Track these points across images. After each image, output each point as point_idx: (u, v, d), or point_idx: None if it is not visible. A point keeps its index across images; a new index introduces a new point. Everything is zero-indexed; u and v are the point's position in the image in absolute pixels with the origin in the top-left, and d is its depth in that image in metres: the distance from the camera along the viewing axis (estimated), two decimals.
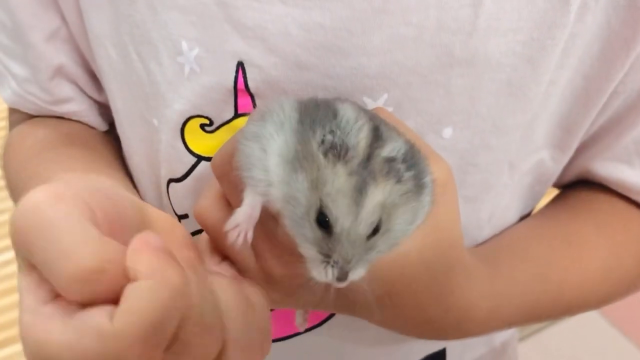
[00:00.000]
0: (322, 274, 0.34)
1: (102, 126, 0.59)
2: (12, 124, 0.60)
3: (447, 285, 0.43)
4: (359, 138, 0.34)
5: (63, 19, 0.52)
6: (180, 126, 0.47)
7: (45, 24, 0.52)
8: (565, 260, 0.52)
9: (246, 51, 0.43)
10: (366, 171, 0.33)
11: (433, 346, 0.57)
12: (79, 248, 0.28)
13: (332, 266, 0.34)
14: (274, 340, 0.53)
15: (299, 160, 0.34)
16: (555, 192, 0.59)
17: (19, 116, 0.59)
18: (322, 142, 0.34)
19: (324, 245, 0.34)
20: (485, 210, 0.51)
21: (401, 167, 0.34)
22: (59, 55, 0.53)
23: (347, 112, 0.35)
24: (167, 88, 0.46)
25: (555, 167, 0.53)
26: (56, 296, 0.30)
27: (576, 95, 0.48)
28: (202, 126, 0.46)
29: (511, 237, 0.53)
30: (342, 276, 0.34)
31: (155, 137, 0.50)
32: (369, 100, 0.43)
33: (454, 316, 0.45)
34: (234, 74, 0.44)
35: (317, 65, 0.43)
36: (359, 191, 0.33)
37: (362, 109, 0.36)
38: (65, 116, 0.57)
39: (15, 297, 1.76)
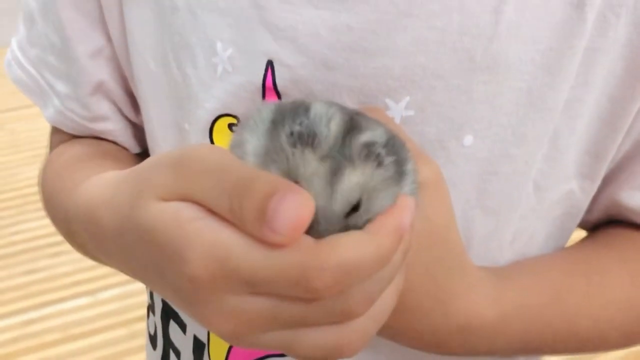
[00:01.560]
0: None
1: (135, 148, 0.61)
2: (53, 145, 0.63)
3: (449, 289, 0.43)
4: (330, 126, 0.34)
5: (108, 39, 0.56)
6: (209, 125, 0.48)
7: (91, 41, 0.55)
8: (584, 289, 0.51)
9: (277, 51, 0.45)
10: (341, 155, 0.33)
11: None
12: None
13: None
14: (277, 356, 0.52)
15: (270, 155, 0.34)
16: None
17: (59, 137, 0.62)
18: (291, 133, 0.33)
19: None
20: (509, 231, 0.50)
21: (382, 151, 0.34)
22: (101, 72, 0.56)
23: (318, 107, 0.35)
24: (199, 89, 0.48)
25: (584, 198, 0.53)
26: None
27: (603, 118, 0.49)
28: (230, 126, 0.48)
29: (529, 260, 0.52)
30: None
31: (185, 142, 0.51)
32: (391, 102, 0.45)
33: (456, 323, 0.44)
34: (263, 72, 0.46)
35: (344, 65, 0.44)
36: (334, 172, 0.33)
37: (338, 105, 0.36)
38: (101, 135, 0.60)
39: None
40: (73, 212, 0.47)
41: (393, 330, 0.43)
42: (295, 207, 0.30)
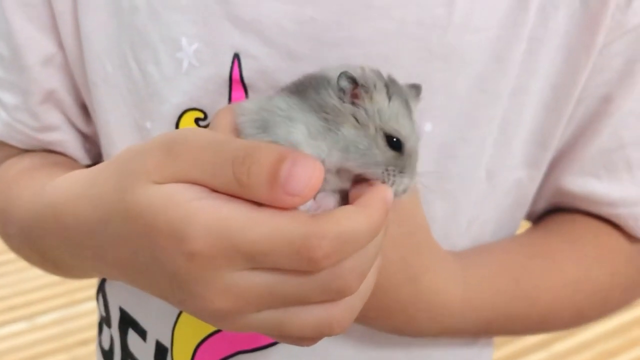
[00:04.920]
0: (399, 182, 0.38)
1: (84, 160, 0.61)
2: None
3: (418, 265, 0.45)
4: (367, 72, 0.38)
5: (60, 45, 0.55)
6: (175, 120, 0.49)
7: (42, 48, 0.54)
8: (539, 270, 0.54)
9: (243, 43, 0.47)
10: (399, 90, 0.38)
11: None
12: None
13: (401, 173, 0.38)
14: (258, 349, 0.53)
15: (328, 120, 0.38)
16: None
17: (6, 152, 0.60)
18: (343, 91, 0.38)
19: (398, 163, 0.38)
20: (465, 216, 0.53)
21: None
22: (52, 81, 0.56)
23: (331, 72, 0.39)
24: (163, 85, 0.49)
25: (532, 188, 0.55)
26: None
27: (547, 106, 0.51)
28: (197, 121, 0.49)
29: (487, 245, 0.55)
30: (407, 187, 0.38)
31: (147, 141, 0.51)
32: None
33: (425, 300, 0.46)
34: (230, 64, 0.47)
35: (309, 55, 0.46)
36: (406, 106, 0.38)
37: None
38: (51, 147, 0.59)
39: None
40: (34, 216, 0.47)
41: (364, 310, 0.45)
42: (309, 169, 0.32)
